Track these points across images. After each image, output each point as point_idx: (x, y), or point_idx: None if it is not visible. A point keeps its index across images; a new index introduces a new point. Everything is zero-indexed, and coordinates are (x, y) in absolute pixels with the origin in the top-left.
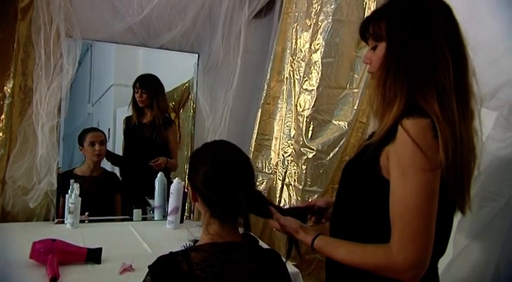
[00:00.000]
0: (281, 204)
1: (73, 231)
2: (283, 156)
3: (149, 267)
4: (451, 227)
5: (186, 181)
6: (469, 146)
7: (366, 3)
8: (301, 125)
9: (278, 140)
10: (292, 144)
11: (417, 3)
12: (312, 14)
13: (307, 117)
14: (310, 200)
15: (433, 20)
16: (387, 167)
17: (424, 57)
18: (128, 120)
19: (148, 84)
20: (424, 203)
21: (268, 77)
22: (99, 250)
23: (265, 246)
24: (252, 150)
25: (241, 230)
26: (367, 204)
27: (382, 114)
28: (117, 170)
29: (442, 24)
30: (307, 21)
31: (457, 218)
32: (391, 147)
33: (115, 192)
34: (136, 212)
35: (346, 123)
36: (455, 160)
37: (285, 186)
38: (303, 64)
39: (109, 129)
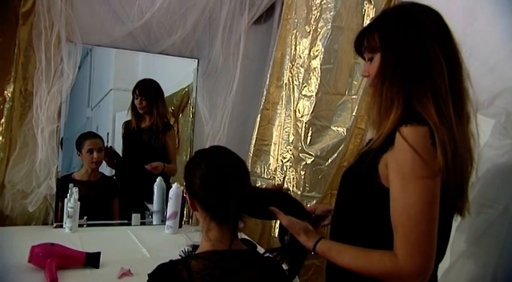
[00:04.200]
0: None
1: (72, 235)
2: (282, 161)
3: (149, 275)
4: (450, 231)
5: (185, 186)
6: (466, 149)
7: (365, 10)
8: (300, 131)
9: (277, 145)
10: (291, 150)
11: (407, 12)
12: (312, 21)
13: (306, 123)
14: (308, 205)
15: (424, 27)
16: (386, 175)
17: (418, 63)
18: (126, 124)
19: (147, 91)
20: (425, 210)
21: (267, 83)
22: (98, 254)
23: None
24: (251, 155)
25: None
26: (367, 212)
27: (379, 123)
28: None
29: (434, 29)
30: (306, 27)
31: (455, 223)
32: (390, 155)
33: (113, 197)
34: (135, 217)
35: (345, 129)
36: (455, 163)
37: None
38: (302, 70)
39: (108, 134)
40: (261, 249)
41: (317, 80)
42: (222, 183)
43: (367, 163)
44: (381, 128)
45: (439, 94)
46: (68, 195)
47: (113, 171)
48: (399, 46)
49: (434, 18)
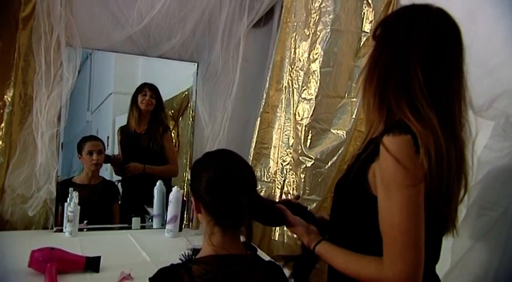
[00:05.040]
0: None
1: (72, 239)
2: (282, 164)
3: (150, 279)
4: (441, 234)
5: (185, 189)
6: (457, 158)
7: (364, 13)
8: (299, 134)
9: (277, 148)
10: (290, 153)
11: (414, 16)
12: (311, 24)
13: (305, 126)
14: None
15: (417, 38)
16: (375, 184)
17: (394, 68)
18: (123, 130)
19: (156, 93)
20: (409, 219)
21: (267, 86)
22: (98, 259)
23: (264, 255)
24: (251, 158)
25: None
26: (360, 221)
27: (365, 114)
28: (116, 178)
29: (423, 45)
30: (305, 30)
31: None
32: (376, 165)
33: (114, 201)
34: (135, 221)
35: (345, 132)
36: (439, 168)
37: (283, 195)
38: (302, 73)
39: (108, 137)
40: (261, 253)
41: (316, 83)
42: (229, 191)
43: (356, 174)
44: (368, 120)
45: (418, 103)
46: (68, 199)
47: (113, 174)
48: (386, 43)
49: (435, 32)
